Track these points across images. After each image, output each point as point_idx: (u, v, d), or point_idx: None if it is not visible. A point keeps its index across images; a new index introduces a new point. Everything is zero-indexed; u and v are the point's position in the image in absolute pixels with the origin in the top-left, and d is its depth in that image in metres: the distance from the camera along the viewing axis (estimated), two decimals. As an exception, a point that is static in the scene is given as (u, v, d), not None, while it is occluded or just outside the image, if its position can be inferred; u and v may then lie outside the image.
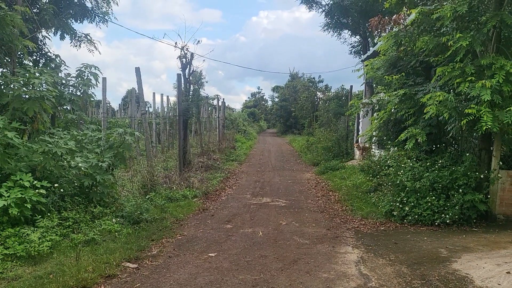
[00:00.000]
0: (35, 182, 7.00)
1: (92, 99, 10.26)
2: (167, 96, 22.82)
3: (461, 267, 6.01)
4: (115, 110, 41.62)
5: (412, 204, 8.68)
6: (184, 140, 14.51)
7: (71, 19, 10.84)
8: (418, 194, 8.71)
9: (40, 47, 10.24)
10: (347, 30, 30.60)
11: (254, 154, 25.06)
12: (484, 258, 6.38)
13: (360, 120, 19.74)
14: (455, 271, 5.88)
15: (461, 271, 5.85)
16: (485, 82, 7.40)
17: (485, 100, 7.34)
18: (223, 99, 28.30)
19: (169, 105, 24.82)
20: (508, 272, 5.72)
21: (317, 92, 40.34)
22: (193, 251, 6.78)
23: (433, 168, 8.90)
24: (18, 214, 6.53)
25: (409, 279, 5.58)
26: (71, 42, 11.15)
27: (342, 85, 32.82)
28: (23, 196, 6.64)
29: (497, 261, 6.23)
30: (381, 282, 5.50)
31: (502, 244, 7.18)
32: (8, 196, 6.57)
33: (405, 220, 8.67)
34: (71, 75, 9.53)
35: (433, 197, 8.51)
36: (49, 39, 11.42)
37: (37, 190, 6.89)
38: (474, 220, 8.48)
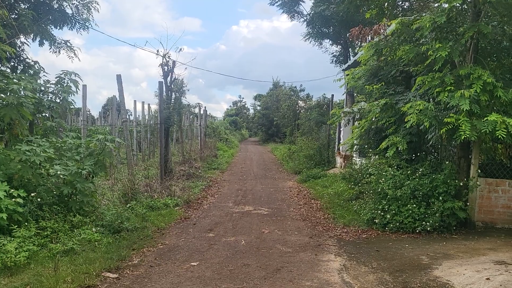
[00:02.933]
0: (12, 191, 6.83)
1: (72, 106, 10.09)
2: (148, 104, 22.69)
3: (442, 274, 6.07)
4: (95, 118, 41.07)
5: (394, 211, 8.75)
6: (166, 148, 14.39)
7: (50, 25, 10.67)
8: (399, 202, 8.80)
9: (18, 53, 10.04)
10: (328, 40, 31.00)
11: (236, 163, 25.01)
12: (464, 265, 6.46)
13: (341, 129, 19.92)
14: (436, 278, 5.94)
15: (442, 278, 5.91)
16: (463, 91, 7.55)
17: (464, 109, 7.49)
18: (205, 107, 28.27)
19: (150, 113, 24.64)
20: (488, 279, 5.80)
21: (299, 101, 40.66)
22: (175, 260, 6.69)
23: (413, 176, 9.01)
24: (-7, 223, 6.35)
25: (391, 286, 5.61)
26: (50, 49, 10.98)
27: (324, 94, 33.23)
28: (-1, 205, 6.46)
29: (476, 267, 6.31)
30: (364, 289, 5.51)
31: (482, 251, 7.29)
32: (-17, 206, 6.38)
33: (386, 228, 8.73)
34: (51, 82, 9.35)
35: (414, 205, 8.60)
36: (28, 45, 11.28)
37: (13, 199, 6.71)
38: (454, 227, 8.60)
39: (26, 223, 6.97)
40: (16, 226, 6.67)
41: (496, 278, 5.84)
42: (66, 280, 5.45)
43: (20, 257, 6.02)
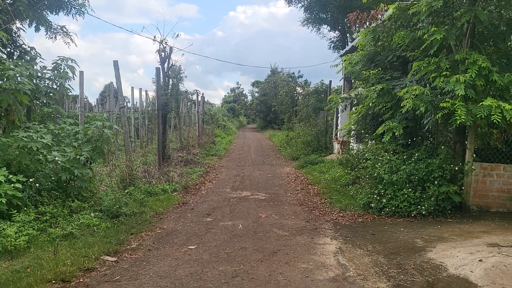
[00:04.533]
0: (11, 176, 6.89)
1: (69, 92, 10.08)
2: (146, 91, 22.56)
3: (436, 256, 6.17)
4: (93, 105, 41.00)
5: (389, 196, 8.84)
6: (163, 135, 14.42)
7: (46, 10, 10.60)
8: (395, 186, 8.88)
9: (14, 39, 10.00)
10: (326, 25, 30.86)
11: (234, 149, 25.07)
12: (458, 247, 6.56)
13: (339, 115, 19.96)
14: (430, 260, 6.03)
15: (436, 260, 6.00)
16: (459, 77, 7.58)
17: (459, 94, 7.52)
18: (203, 94, 28.20)
19: (148, 99, 24.59)
20: (480, 260, 5.89)
21: (297, 87, 40.56)
22: (173, 244, 6.78)
23: (409, 161, 9.08)
24: (-7, 208, 6.42)
25: (386, 268, 5.71)
26: (46, 34, 10.93)
27: (322, 80, 33.10)
28: (-2, 190, 6.52)
29: (470, 250, 6.41)
30: (359, 271, 5.61)
31: (475, 234, 7.39)
32: (-17, 191, 6.44)
33: (382, 212, 8.83)
34: (47, 68, 9.34)
35: (410, 189, 8.69)
36: (24, 31, 11.22)
37: (12, 185, 6.77)
38: (449, 211, 8.70)
39: (25, 208, 7.05)
40: (15, 211, 6.76)
41: (489, 259, 5.94)
42: (66, 263, 5.53)
43: (20, 241, 6.11)
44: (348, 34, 28.91)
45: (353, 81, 19.79)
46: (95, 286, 5.03)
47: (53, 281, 5.07)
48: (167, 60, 14.58)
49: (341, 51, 24.07)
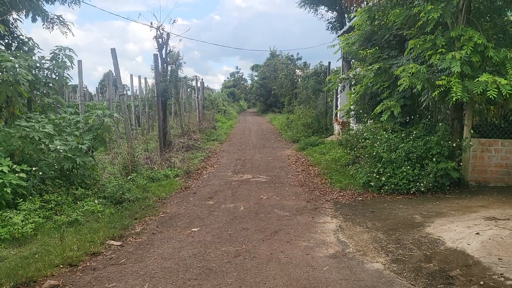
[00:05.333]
0: (15, 166, 7.01)
1: (68, 81, 10.13)
2: (145, 78, 22.53)
3: (434, 231, 6.30)
4: (93, 94, 40.99)
5: (388, 174, 8.95)
6: (164, 121, 14.50)
7: (42, 0, 10.60)
8: (394, 164, 8.98)
9: (11, 30, 10.03)
10: (323, 6, 30.61)
11: (234, 134, 25.15)
12: (456, 222, 6.69)
13: (338, 96, 19.97)
14: (428, 234, 6.17)
15: (434, 234, 6.14)
16: (455, 53, 7.61)
17: (455, 71, 7.56)
18: (202, 79, 28.16)
19: (148, 87, 24.58)
20: (477, 233, 6.02)
21: (296, 70, 40.37)
22: (176, 227, 6.92)
23: (408, 139, 9.17)
24: (-1, 198, 6.55)
25: (384, 244, 5.85)
26: (43, 25, 10.93)
27: (321, 62, 33.02)
28: (2, 180, 6.63)
29: (467, 224, 6.53)
30: (358, 247, 5.75)
31: (474, 209, 7.51)
32: (-12, 181, 6.56)
33: (382, 190, 8.95)
34: (45, 58, 9.39)
35: (408, 167, 8.79)
36: (21, 21, 11.14)
37: (17, 174, 6.89)
38: (448, 188, 8.81)
39: (30, 197, 7.18)
40: (21, 200, 6.89)
41: (486, 232, 6.07)
42: (72, 249, 5.67)
43: (26, 228, 6.24)
44: (346, 15, 28.71)
45: (352, 61, 19.79)
46: (102, 269, 5.18)
47: (61, 266, 5.21)
48: (164, 46, 14.56)
49: (339, 31, 23.94)
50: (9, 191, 6.66)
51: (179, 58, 18.07)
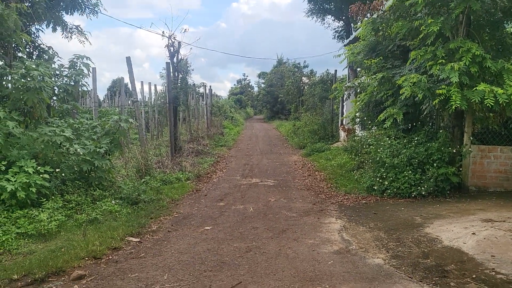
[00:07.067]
0: (39, 167, 7.49)
1: (85, 88, 10.66)
2: (155, 85, 23.17)
3: (433, 231, 6.70)
4: (101, 100, 41.69)
5: (391, 178, 9.35)
6: (175, 127, 14.98)
7: (62, 11, 11.17)
8: (397, 169, 9.38)
9: (33, 39, 10.59)
10: (330, 16, 31.12)
11: (242, 140, 25.62)
12: (454, 223, 7.07)
13: (344, 103, 20.39)
14: (427, 234, 6.56)
15: (432, 234, 6.53)
16: (453, 64, 8.03)
17: (454, 81, 7.97)
18: (210, 86, 28.71)
19: (157, 93, 25.16)
20: (474, 233, 6.40)
21: (303, 77, 40.87)
22: (190, 225, 7.36)
23: (410, 145, 9.57)
24: (25, 197, 7.02)
25: (385, 242, 6.25)
26: (62, 34, 11.51)
27: (327, 70, 33.48)
28: (28, 181, 7.12)
29: (465, 225, 6.92)
30: (361, 245, 6.16)
31: (472, 211, 7.89)
32: (15, 181, 7.05)
33: (384, 194, 9.35)
34: (64, 66, 9.90)
35: (410, 172, 9.19)
36: (43, 31, 11.73)
37: (40, 175, 7.38)
38: (448, 192, 9.20)
39: (52, 197, 7.67)
40: (44, 199, 7.37)
41: (482, 233, 6.44)
42: (95, 244, 6.12)
43: (51, 225, 6.71)
44: (352, 24, 29.19)
45: (358, 70, 20.23)
46: (124, 262, 5.62)
47: (86, 258, 5.66)
48: (176, 54, 15.08)
49: (345, 40, 24.42)
50: (34, 191, 7.15)
51: (188, 65, 18.60)
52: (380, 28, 10.28)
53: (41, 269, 5.17)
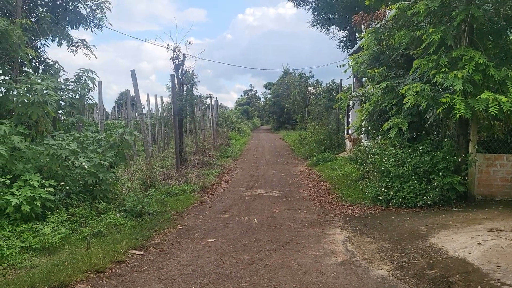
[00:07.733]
0: (43, 181, 7.54)
1: (90, 101, 10.75)
2: (161, 97, 23.33)
3: (438, 241, 6.63)
4: (109, 112, 42.05)
5: (396, 188, 9.28)
6: (180, 139, 15.04)
7: (67, 26, 11.33)
8: (402, 179, 9.32)
9: (39, 54, 10.73)
10: (334, 26, 31.19)
11: (248, 150, 25.62)
12: (460, 233, 7.00)
13: (349, 113, 20.35)
14: (432, 244, 6.49)
15: (438, 244, 6.46)
16: (457, 73, 8.00)
17: (457, 89, 7.94)
18: (216, 97, 28.83)
19: (163, 105, 25.32)
20: (479, 243, 6.33)
21: (309, 87, 40.94)
22: (194, 238, 7.35)
23: (415, 154, 9.51)
24: (29, 211, 7.05)
25: (390, 253, 6.19)
26: (68, 48, 11.65)
27: (333, 79, 33.38)
28: (33, 194, 7.17)
29: (471, 235, 6.84)
30: (365, 256, 6.11)
31: (478, 221, 7.80)
32: (20, 195, 7.09)
33: (390, 204, 9.28)
34: (70, 80, 10.01)
35: (415, 181, 9.12)
36: (48, 46, 11.89)
37: (45, 189, 7.42)
38: (454, 201, 9.11)
39: (57, 210, 7.70)
40: (49, 213, 7.41)
41: (488, 242, 6.37)
42: (98, 257, 6.13)
43: (55, 239, 6.74)
44: (357, 34, 29.25)
45: (363, 79, 20.22)
46: (126, 275, 5.62)
47: (89, 272, 5.67)
48: (180, 66, 15.19)
49: (350, 50, 24.45)
50: (39, 204, 7.19)
51: (194, 77, 18.71)
52: (383, 37, 10.29)
53: (43, 284, 5.18)
